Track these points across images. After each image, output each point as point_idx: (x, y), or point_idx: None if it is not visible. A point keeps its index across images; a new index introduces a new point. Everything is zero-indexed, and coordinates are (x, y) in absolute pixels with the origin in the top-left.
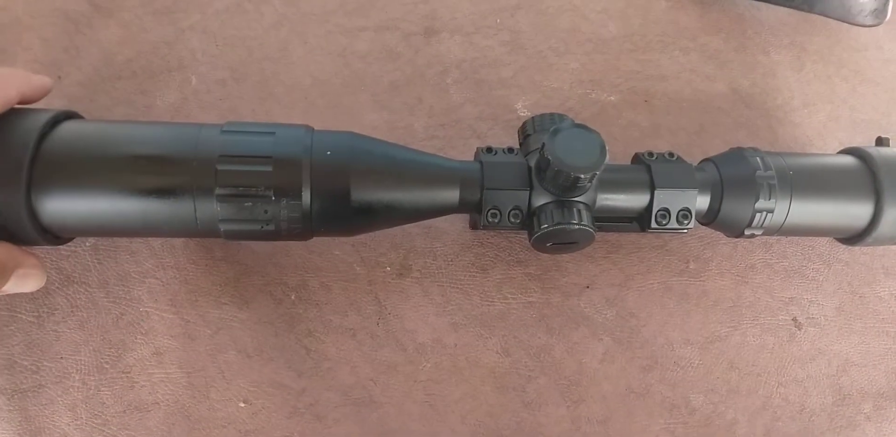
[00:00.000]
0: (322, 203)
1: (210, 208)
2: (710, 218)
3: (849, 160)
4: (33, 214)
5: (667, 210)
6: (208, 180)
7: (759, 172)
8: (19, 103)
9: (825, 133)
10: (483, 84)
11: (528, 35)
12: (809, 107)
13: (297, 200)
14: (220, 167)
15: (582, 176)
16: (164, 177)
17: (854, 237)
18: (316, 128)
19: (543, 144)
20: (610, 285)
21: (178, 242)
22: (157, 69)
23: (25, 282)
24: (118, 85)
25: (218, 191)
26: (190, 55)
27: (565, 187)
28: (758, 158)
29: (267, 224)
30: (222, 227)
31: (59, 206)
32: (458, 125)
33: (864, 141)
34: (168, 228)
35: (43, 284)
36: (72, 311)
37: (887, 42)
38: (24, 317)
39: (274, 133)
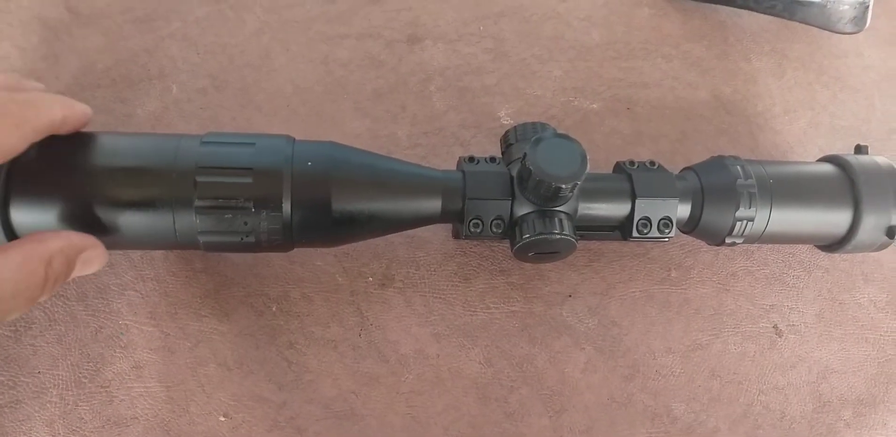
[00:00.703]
0: (303, 214)
1: (189, 220)
2: (691, 226)
3: (828, 168)
4: (9, 227)
5: (648, 219)
6: (188, 192)
7: (739, 181)
8: (59, 130)
9: (805, 140)
10: (466, 92)
11: (512, 42)
12: (790, 114)
13: (278, 211)
14: (199, 179)
15: (563, 186)
16: (142, 189)
17: (834, 245)
18: (297, 136)
19: (525, 154)
20: (592, 293)
21: (158, 253)
22: (137, 78)
23: (90, 265)
24: (97, 93)
25: (197, 203)
26: (170, 63)
27: (547, 197)
28: (738, 167)
29: (247, 236)
30: (202, 239)
31: (36, 218)
32: (441, 133)
33: (844, 147)
34: (147, 240)
35: (107, 261)
36: (49, 324)
37: (867, 49)
38: (0, 331)
39: (254, 144)
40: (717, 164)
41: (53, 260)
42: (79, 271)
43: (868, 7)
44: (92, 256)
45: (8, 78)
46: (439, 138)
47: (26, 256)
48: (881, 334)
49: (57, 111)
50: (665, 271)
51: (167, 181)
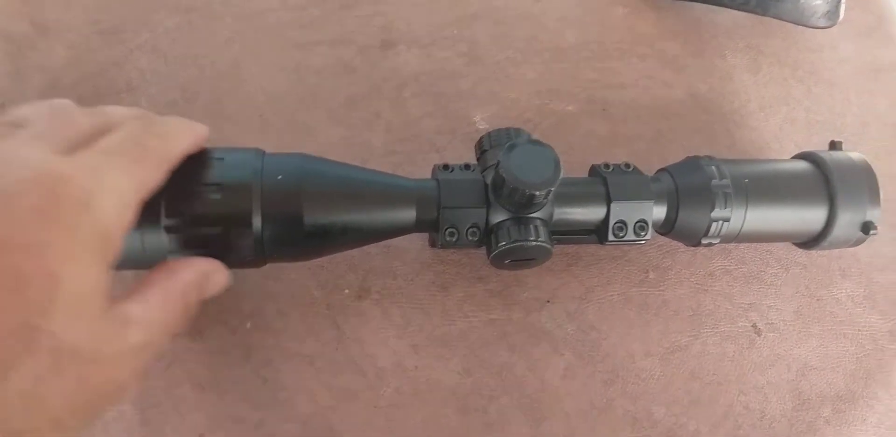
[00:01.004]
0: (274, 229)
1: (158, 239)
2: (667, 228)
3: (803, 166)
4: None
5: (623, 222)
6: (155, 210)
7: (714, 182)
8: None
9: (781, 136)
10: (441, 97)
11: (486, 46)
12: (766, 110)
13: (248, 227)
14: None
15: (537, 193)
16: None
17: (810, 242)
18: (271, 146)
19: (498, 162)
20: (570, 298)
21: (128, 273)
22: (105, 92)
23: (215, 288)
24: None
25: (165, 221)
26: (139, 76)
27: (521, 204)
28: (713, 167)
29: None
30: (171, 258)
31: None
32: (416, 140)
33: (820, 142)
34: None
35: (229, 281)
36: None
37: (841, 42)
38: None
39: (222, 159)
40: (692, 164)
41: (189, 292)
42: (206, 295)
43: (841, 1)
44: (217, 279)
45: (135, 109)
46: (415, 145)
47: (166, 294)
48: (859, 330)
49: (188, 139)
50: (643, 273)
51: None
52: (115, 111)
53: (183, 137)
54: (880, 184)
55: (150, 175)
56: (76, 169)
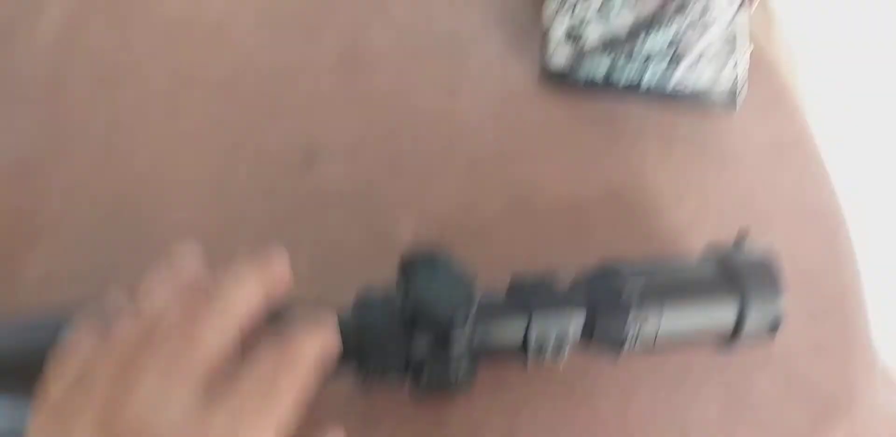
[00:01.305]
0: None
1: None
2: (586, 342)
3: (710, 267)
4: None
5: (543, 341)
6: None
7: (624, 296)
8: None
9: (696, 222)
10: (364, 213)
11: (408, 157)
12: (681, 197)
13: None
14: None
15: (452, 330)
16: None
17: (725, 342)
18: None
19: (413, 294)
20: (497, 430)
21: None
22: (19, 241)
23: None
24: None
25: None
26: (56, 219)
27: (439, 336)
28: (624, 278)
29: None
30: None
31: None
32: (342, 261)
33: (733, 225)
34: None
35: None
36: None
37: (747, 121)
38: None
39: None
40: (605, 273)
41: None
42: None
43: (738, 90)
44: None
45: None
46: (339, 266)
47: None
48: (781, 423)
49: (318, 358)
50: (569, 390)
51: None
52: (237, 299)
53: (314, 356)
54: (788, 265)
55: (285, 414)
56: (218, 426)
